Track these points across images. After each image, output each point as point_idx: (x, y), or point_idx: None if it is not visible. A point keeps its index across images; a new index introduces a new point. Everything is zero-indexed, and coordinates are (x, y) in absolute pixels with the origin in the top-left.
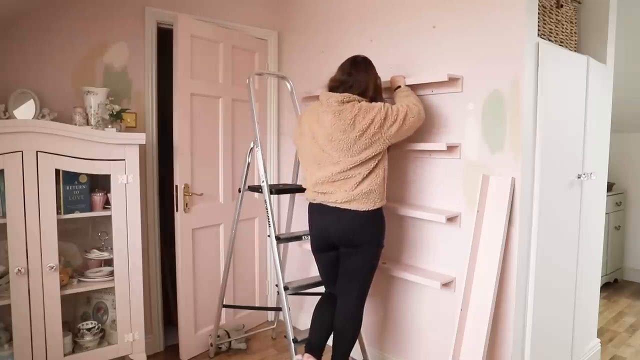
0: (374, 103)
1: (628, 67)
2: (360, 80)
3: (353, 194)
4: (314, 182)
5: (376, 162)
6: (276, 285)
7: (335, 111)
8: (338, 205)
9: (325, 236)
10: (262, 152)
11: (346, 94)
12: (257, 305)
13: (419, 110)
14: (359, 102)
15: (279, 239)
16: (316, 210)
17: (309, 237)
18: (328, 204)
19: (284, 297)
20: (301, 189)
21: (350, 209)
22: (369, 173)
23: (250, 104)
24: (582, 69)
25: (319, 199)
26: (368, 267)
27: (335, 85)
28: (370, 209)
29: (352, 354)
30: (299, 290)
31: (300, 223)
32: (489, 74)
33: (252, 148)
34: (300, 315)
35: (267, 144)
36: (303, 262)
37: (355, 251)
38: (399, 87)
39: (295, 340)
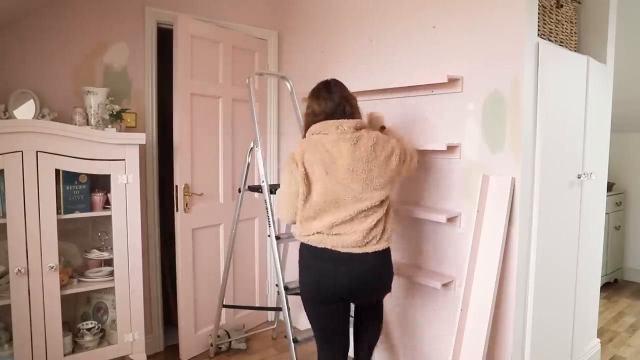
0: (384, 135)
1: (628, 67)
2: (353, 103)
3: (372, 234)
4: (329, 223)
5: (388, 199)
6: (276, 285)
7: (352, 138)
8: (352, 250)
9: (333, 288)
10: (262, 152)
11: (357, 120)
12: (257, 305)
13: (416, 160)
14: (367, 130)
15: (279, 239)
16: (320, 257)
17: (302, 287)
18: (339, 250)
19: (284, 297)
20: None
21: (369, 252)
22: (386, 211)
23: (251, 103)
24: (582, 69)
25: (329, 243)
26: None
27: (331, 113)
28: (385, 248)
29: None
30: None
31: None
32: (489, 74)
33: (252, 148)
34: (301, 315)
35: (267, 144)
36: None
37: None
38: (384, 127)
39: (295, 340)
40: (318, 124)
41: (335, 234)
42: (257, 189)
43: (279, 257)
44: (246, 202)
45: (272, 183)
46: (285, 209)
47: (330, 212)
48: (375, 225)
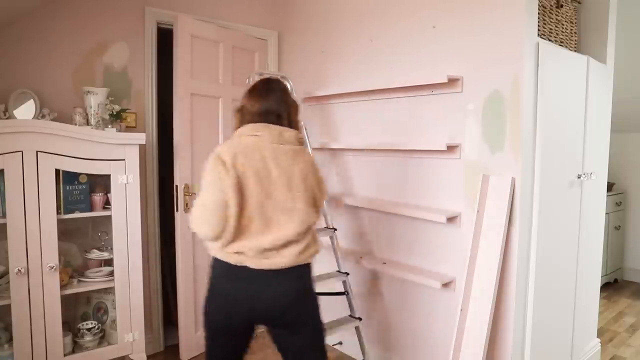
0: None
1: (628, 67)
2: (292, 111)
3: (301, 258)
4: (256, 246)
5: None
6: None
7: (292, 151)
8: (279, 267)
9: (246, 312)
10: None
11: (298, 132)
12: None
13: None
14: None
15: None
16: (235, 276)
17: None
18: (262, 268)
19: None
20: None
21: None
22: (313, 233)
23: None
24: (582, 69)
25: (250, 263)
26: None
27: (264, 114)
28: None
29: (351, 354)
30: None
31: None
32: (489, 74)
33: None
34: None
35: None
36: None
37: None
38: None
39: None
40: (252, 124)
41: (257, 256)
42: None
43: None
44: None
45: None
46: (206, 223)
47: (257, 232)
48: (305, 248)
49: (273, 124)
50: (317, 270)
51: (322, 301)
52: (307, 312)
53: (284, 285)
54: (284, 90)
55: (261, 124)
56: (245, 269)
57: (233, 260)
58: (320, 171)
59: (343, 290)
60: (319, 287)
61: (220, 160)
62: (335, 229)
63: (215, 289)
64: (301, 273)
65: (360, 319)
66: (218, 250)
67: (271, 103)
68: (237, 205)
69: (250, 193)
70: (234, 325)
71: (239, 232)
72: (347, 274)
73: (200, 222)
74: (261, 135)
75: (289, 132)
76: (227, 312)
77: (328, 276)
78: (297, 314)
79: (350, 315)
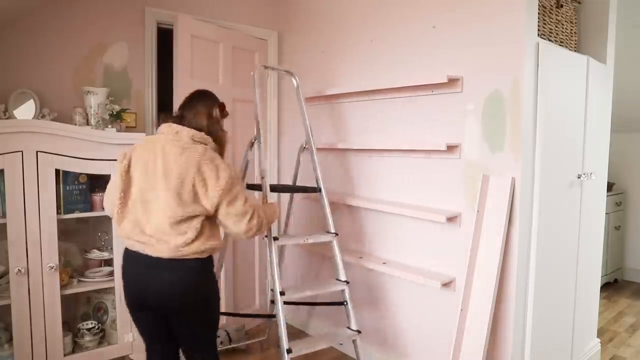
0: (222, 162)
1: (628, 67)
2: (202, 123)
3: (186, 250)
4: (139, 229)
5: (202, 216)
6: (271, 290)
7: (183, 146)
8: (162, 255)
9: (143, 293)
10: (263, 149)
11: (201, 133)
12: (257, 305)
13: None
14: (212, 148)
15: (276, 239)
16: (130, 260)
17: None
18: (148, 254)
19: (280, 304)
20: (305, 189)
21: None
22: (202, 227)
23: (254, 96)
24: (582, 69)
25: (138, 247)
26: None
27: (178, 118)
28: (196, 259)
29: (351, 354)
30: (299, 298)
31: (298, 225)
32: (489, 74)
33: (252, 143)
34: (311, 320)
35: (268, 144)
36: (308, 264)
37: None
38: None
39: (289, 351)
40: (163, 124)
41: (142, 242)
42: (257, 187)
43: (277, 261)
44: None
45: (272, 183)
46: (105, 200)
47: (140, 219)
48: (188, 243)
49: (178, 125)
50: (314, 276)
51: (320, 310)
52: (193, 307)
53: (167, 275)
54: (207, 106)
55: (166, 124)
56: (135, 253)
57: (127, 243)
58: (220, 170)
59: (342, 300)
60: (318, 296)
61: (124, 151)
62: (336, 234)
63: (122, 269)
64: (187, 266)
65: (359, 332)
66: (120, 235)
67: (182, 110)
68: (121, 191)
69: (136, 182)
70: (138, 304)
71: (126, 216)
72: (347, 282)
73: (104, 201)
74: (163, 133)
75: (185, 131)
76: (129, 291)
77: (327, 284)
78: (182, 306)
79: (348, 327)
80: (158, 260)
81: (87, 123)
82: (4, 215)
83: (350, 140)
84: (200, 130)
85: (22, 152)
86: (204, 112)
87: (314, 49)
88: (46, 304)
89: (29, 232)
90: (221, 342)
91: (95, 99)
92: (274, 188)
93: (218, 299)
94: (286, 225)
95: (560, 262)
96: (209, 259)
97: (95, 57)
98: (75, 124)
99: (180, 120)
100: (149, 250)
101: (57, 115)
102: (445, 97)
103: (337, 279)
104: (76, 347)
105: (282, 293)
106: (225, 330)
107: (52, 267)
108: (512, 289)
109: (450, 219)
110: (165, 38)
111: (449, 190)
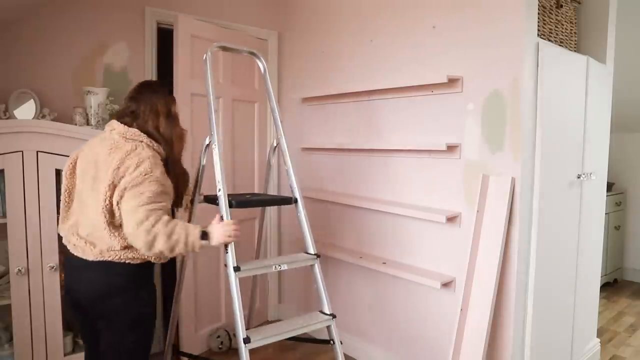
0: (146, 161)
1: (628, 67)
2: (146, 115)
3: (113, 253)
4: (74, 230)
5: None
6: (234, 335)
7: (113, 145)
8: (88, 259)
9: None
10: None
11: (135, 130)
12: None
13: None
14: (148, 146)
15: (237, 270)
16: (66, 260)
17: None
18: (78, 255)
19: (244, 353)
20: (274, 200)
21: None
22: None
23: (207, 84)
24: (582, 69)
25: (71, 247)
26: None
27: (121, 113)
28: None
29: (351, 354)
30: (269, 341)
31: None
32: (489, 74)
33: (207, 145)
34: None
35: (268, 147)
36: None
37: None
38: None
39: (247, 341)
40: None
41: (77, 246)
42: (214, 199)
43: (239, 297)
44: None
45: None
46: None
47: (77, 220)
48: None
49: (121, 121)
50: (293, 309)
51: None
52: (113, 314)
53: (90, 278)
54: (153, 95)
55: (111, 121)
56: (71, 254)
57: (66, 243)
58: (141, 165)
59: (328, 339)
60: (302, 329)
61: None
62: (318, 255)
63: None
64: (109, 270)
65: None
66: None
67: (126, 101)
68: (65, 190)
69: (76, 181)
70: (73, 304)
71: (69, 217)
72: (334, 316)
73: None
74: (105, 131)
75: (118, 128)
76: (66, 290)
77: (310, 318)
78: (102, 312)
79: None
80: (87, 262)
81: (88, 123)
82: (4, 215)
83: (350, 141)
84: (157, 129)
85: (22, 152)
86: (160, 109)
87: (314, 49)
88: (46, 304)
89: (29, 232)
90: (222, 343)
91: (96, 99)
92: (237, 199)
93: (150, 318)
94: (258, 245)
95: (560, 262)
96: (143, 268)
97: (95, 57)
98: (76, 124)
99: (133, 117)
100: (79, 251)
101: (57, 115)
102: (445, 97)
103: (321, 311)
104: (76, 347)
105: (246, 340)
106: (226, 330)
107: (52, 267)
108: (512, 289)
109: (450, 219)
110: (165, 38)
111: (449, 190)
